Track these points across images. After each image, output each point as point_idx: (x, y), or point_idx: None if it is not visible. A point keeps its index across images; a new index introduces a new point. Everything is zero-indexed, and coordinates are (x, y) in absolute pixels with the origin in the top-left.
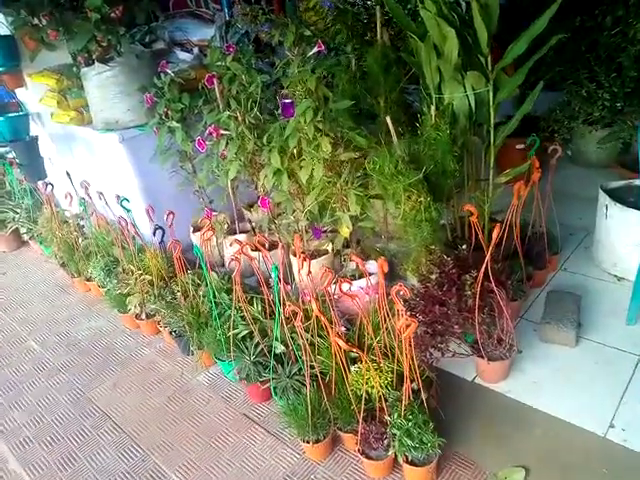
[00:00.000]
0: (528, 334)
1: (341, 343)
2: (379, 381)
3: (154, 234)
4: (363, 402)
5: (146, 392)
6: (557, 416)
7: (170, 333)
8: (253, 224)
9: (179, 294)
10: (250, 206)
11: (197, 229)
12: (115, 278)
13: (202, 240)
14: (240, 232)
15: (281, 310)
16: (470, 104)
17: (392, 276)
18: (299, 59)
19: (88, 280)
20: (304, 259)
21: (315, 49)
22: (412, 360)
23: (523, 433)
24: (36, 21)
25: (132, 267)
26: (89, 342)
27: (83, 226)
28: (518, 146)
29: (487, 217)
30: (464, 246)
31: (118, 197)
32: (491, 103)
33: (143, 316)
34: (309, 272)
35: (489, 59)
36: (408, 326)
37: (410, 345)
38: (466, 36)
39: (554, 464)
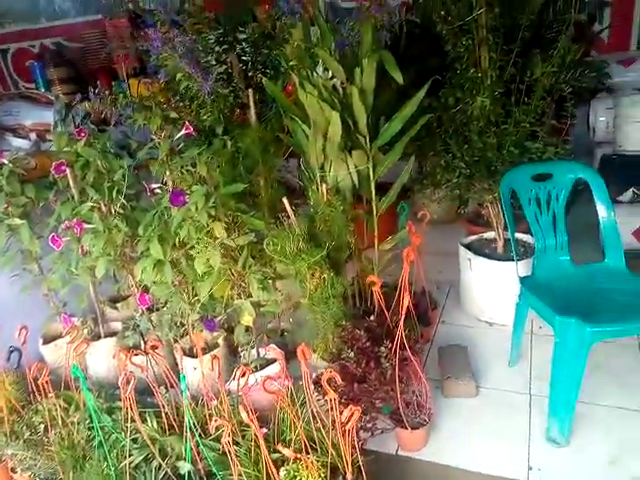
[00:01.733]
0: (431, 392)
1: (286, 452)
2: None
3: (8, 359)
4: None
5: None
6: (481, 471)
7: None
8: (123, 324)
9: (42, 426)
10: (114, 302)
11: (48, 340)
12: None
13: (71, 354)
14: (106, 336)
15: (193, 423)
16: (353, 181)
17: (291, 357)
18: (167, 143)
19: None
20: (214, 358)
21: (183, 131)
22: (352, 449)
23: None
24: None
25: None
26: None
27: None
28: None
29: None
30: (371, 317)
31: None
32: (371, 178)
33: None
34: (219, 373)
35: (367, 138)
36: (351, 416)
37: (351, 435)
38: (346, 118)
39: None
